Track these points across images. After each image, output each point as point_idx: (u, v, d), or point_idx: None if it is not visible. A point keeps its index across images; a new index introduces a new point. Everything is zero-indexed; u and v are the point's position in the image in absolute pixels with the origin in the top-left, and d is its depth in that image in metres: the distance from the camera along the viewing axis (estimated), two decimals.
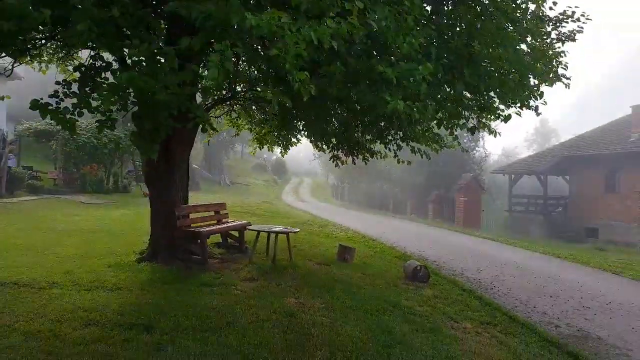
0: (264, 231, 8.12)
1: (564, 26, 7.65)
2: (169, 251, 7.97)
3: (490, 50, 4.95)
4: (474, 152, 26.31)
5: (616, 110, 29.39)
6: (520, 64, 5.24)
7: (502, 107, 6.02)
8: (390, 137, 8.28)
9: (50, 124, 22.65)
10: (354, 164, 10.18)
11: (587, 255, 13.02)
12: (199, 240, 7.88)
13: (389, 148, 8.45)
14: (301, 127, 10.78)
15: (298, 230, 8.39)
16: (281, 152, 12.73)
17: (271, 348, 4.57)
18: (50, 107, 4.21)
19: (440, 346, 4.74)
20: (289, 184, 55.29)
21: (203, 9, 3.33)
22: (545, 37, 7.43)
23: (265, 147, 12.85)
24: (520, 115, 5.98)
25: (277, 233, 8.02)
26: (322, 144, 10.56)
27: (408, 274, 7.86)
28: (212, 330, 4.96)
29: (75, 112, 4.46)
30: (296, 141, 12.14)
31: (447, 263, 9.84)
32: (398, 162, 8.52)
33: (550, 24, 7.61)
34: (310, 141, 11.41)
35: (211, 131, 13.66)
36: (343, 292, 6.55)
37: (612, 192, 21.20)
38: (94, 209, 17.26)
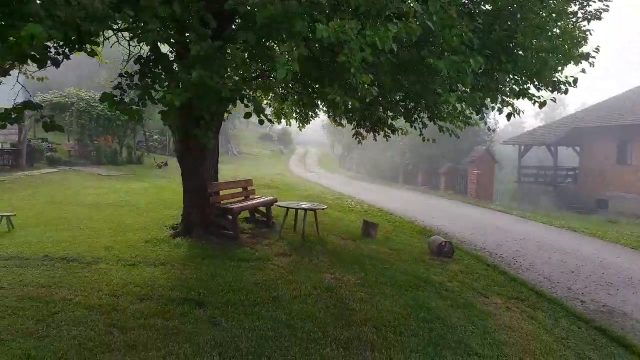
0: (292, 208, 8.39)
1: (591, 5, 7.68)
2: (202, 227, 8.29)
3: (533, 40, 5.05)
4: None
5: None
6: (556, 51, 5.35)
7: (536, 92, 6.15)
8: (416, 116, 8.42)
9: (64, 95, 22.79)
10: (375, 140, 10.34)
11: (602, 228, 13.29)
12: (231, 217, 8.16)
13: (414, 126, 8.60)
14: (322, 105, 10.93)
15: (325, 207, 8.66)
16: (299, 127, 12.90)
17: (318, 322, 4.89)
18: (115, 99, 4.39)
19: (477, 321, 5.06)
20: (295, 154, 55.41)
21: (267, 14, 3.47)
22: (571, 17, 7.47)
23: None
24: (555, 101, 6.12)
25: (305, 210, 8.28)
26: (341, 120, 10.72)
27: (433, 249, 8.16)
28: (260, 304, 5.29)
29: (140, 103, 4.64)
30: (314, 115, 12.30)
31: (467, 237, 10.14)
32: (423, 140, 8.70)
33: (577, 2, 7.63)
34: (329, 116, 11.57)
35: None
36: (374, 268, 6.86)
37: (623, 164, 21.30)
38: (114, 182, 17.60)
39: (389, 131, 10.13)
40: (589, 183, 23.21)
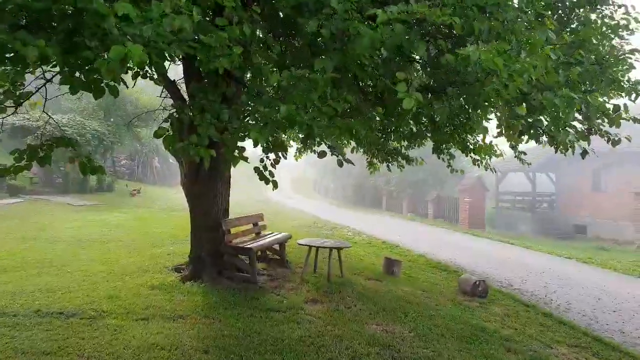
0: (315, 246, 7.70)
1: None
2: (214, 269, 7.48)
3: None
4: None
5: None
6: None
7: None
8: (445, 148, 8.00)
9: (27, 119, 21.30)
10: (389, 170, 9.86)
11: (599, 256, 13.18)
12: (249, 256, 7.40)
13: (442, 158, 8.17)
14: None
15: (350, 245, 8.02)
16: (295, 156, 12.32)
17: None
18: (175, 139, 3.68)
19: None
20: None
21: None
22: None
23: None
24: (630, 139, 5.76)
25: (330, 248, 7.62)
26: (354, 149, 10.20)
27: (466, 289, 7.64)
28: None
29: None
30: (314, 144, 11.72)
31: (488, 273, 9.70)
32: (451, 172, 8.27)
33: None
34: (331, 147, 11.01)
35: None
36: (420, 315, 6.25)
37: (598, 191, 21.77)
38: (88, 213, 16.33)
39: (404, 161, 9.68)
40: (566, 209, 23.56)
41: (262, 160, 4.45)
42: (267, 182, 4.46)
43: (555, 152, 5.76)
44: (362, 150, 9.80)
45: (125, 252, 9.83)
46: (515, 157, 7.59)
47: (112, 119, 24.21)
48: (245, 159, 4.83)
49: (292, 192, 40.54)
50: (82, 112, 23.63)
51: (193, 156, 3.66)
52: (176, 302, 6.43)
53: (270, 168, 4.44)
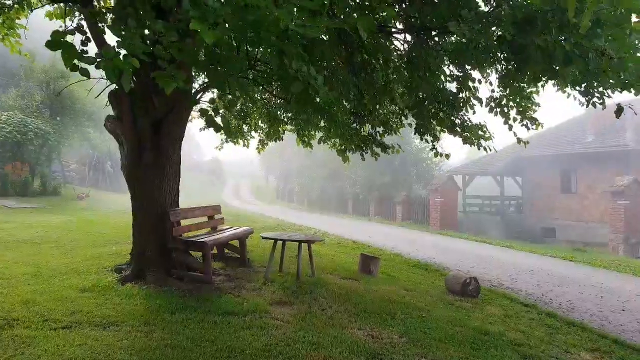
0: (281, 239, 6.57)
1: None
2: (160, 268, 6.25)
3: None
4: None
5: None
6: None
7: None
8: (428, 129, 7.08)
9: None
10: (363, 159, 8.86)
11: (579, 255, 12.57)
12: (202, 253, 6.21)
13: (426, 139, 7.24)
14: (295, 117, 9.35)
15: (323, 239, 6.93)
16: (257, 148, 11.19)
17: None
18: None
19: None
20: (227, 186, 52.87)
21: None
22: None
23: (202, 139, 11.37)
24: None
25: (299, 242, 6.51)
26: (324, 136, 9.19)
27: (454, 288, 6.68)
28: None
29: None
30: (281, 133, 10.63)
31: (474, 272, 8.75)
32: (435, 155, 7.36)
33: None
34: (300, 135, 9.96)
35: None
36: (410, 317, 5.22)
37: (568, 192, 21.53)
38: (26, 215, 14.60)
39: (379, 149, 8.71)
40: (534, 212, 23.28)
41: (212, 102, 3.34)
42: (217, 129, 3.33)
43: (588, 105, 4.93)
44: (330, 142, 8.83)
45: (60, 253, 8.42)
46: (517, 139, 6.73)
47: (58, 117, 22.28)
48: (187, 84, 3.70)
49: (253, 198, 39.16)
50: (24, 110, 21.63)
51: (108, 73, 2.49)
52: (110, 306, 5.19)
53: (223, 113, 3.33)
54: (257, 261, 7.74)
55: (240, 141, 11.10)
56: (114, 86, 6.58)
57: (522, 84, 5.97)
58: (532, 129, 6.70)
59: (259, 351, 4.05)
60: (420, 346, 4.33)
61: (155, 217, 6.34)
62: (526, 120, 6.58)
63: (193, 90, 7.21)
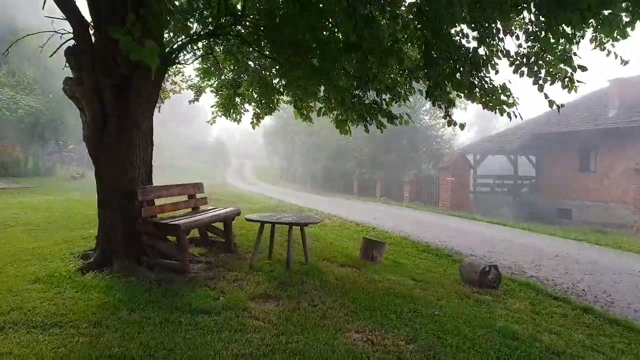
0: (268, 222, 5.63)
1: None
2: (128, 255, 5.36)
3: None
4: (442, 130, 24.79)
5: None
6: None
7: None
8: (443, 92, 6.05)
9: None
10: (367, 131, 7.86)
11: (612, 239, 11.44)
12: (176, 237, 5.31)
13: (439, 105, 6.22)
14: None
15: (319, 221, 5.99)
16: (252, 123, 10.18)
17: None
18: None
19: None
20: (231, 167, 52.06)
21: None
22: None
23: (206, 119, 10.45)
24: None
25: (290, 224, 5.56)
26: (325, 107, 8.16)
27: (471, 277, 5.74)
28: None
29: None
30: (275, 104, 9.62)
31: (491, 257, 7.78)
32: (449, 124, 6.34)
33: None
34: (297, 107, 8.95)
35: (163, 94, 10.88)
36: (418, 315, 4.30)
37: (586, 172, 20.36)
38: (10, 196, 13.81)
39: (384, 119, 7.69)
40: (549, 192, 22.16)
41: None
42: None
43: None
44: (332, 115, 7.81)
45: (29, 237, 7.59)
46: (549, 102, 5.64)
47: (50, 95, 21.31)
48: (158, 54, 2.75)
49: (256, 179, 38.27)
50: (15, 87, 20.67)
51: None
52: (59, 302, 4.33)
53: None
54: (247, 247, 6.83)
55: (234, 115, 10.11)
56: (72, 42, 5.66)
57: (557, 35, 4.92)
58: (576, 86, 5.64)
59: None
60: (433, 357, 3.40)
61: (123, 195, 5.44)
62: (559, 80, 5.54)
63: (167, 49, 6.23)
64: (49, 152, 23.82)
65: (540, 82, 5.57)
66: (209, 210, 6.48)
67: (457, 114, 33.18)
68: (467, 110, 29.28)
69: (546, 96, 5.46)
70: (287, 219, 5.66)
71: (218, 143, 56.78)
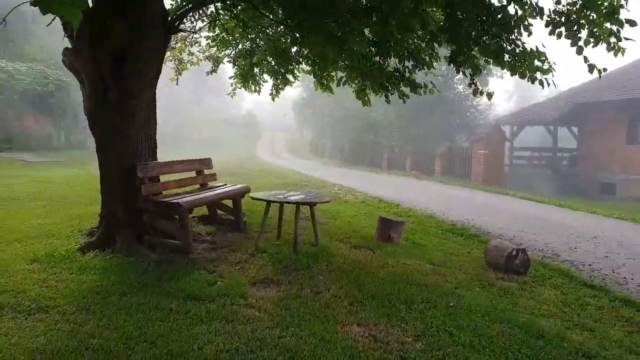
0: (276, 201, 5.28)
1: None
2: (130, 234, 5.14)
3: None
4: (477, 100, 23.59)
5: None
6: None
7: None
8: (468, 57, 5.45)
9: None
10: (388, 102, 7.33)
11: None
12: (177, 217, 5.03)
13: (463, 71, 5.63)
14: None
15: (329, 199, 5.61)
16: (271, 94, 9.77)
17: None
18: None
19: None
20: (262, 140, 52.00)
21: None
22: None
23: (240, 92, 10.03)
24: None
25: (297, 204, 5.20)
26: (346, 76, 7.65)
27: (498, 261, 5.25)
28: None
29: None
30: (293, 78, 9.20)
31: (522, 238, 7.19)
32: (474, 93, 5.76)
33: None
34: (318, 74, 8.44)
35: (180, 66, 10.57)
36: (431, 306, 3.88)
37: (635, 143, 19.00)
38: (38, 169, 14.02)
39: (407, 88, 7.13)
40: (592, 166, 20.89)
41: None
42: None
43: None
44: (354, 85, 7.29)
45: (44, 212, 7.55)
46: (589, 66, 4.95)
47: None
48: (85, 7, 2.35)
49: (286, 153, 38.00)
50: (47, 62, 20.83)
51: None
52: (52, 284, 4.16)
53: None
54: (258, 225, 6.52)
55: (252, 86, 9.72)
56: None
57: None
58: (624, 48, 4.95)
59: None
60: (441, 358, 3.00)
61: (125, 172, 5.19)
62: (604, 42, 4.85)
63: (172, 15, 5.84)
64: (85, 125, 24.15)
65: (581, 43, 4.91)
66: (217, 187, 6.18)
67: (493, 83, 31.69)
68: (504, 79, 27.80)
69: (586, 60, 4.81)
70: (295, 198, 5.29)
71: (249, 116, 56.70)
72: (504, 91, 66.04)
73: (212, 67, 10.01)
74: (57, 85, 19.16)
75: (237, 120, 55.31)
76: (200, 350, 3.00)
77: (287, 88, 9.60)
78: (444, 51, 6.66)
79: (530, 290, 4.61)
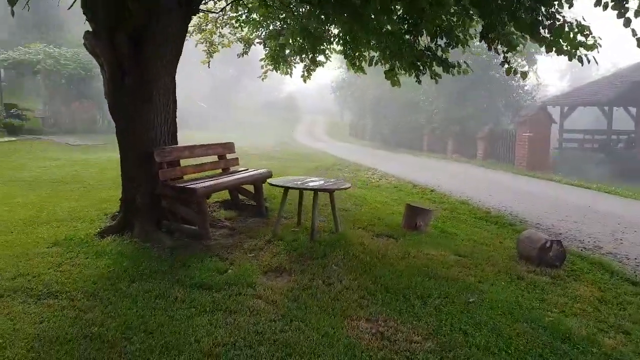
0: (293, 187, 5.11)
1: None
2: (150, 219, 5.12)
3: None
4: (525, 81, 22.34)
5: None
6: None
7: None
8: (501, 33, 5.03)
9: (28, 52, 19.41)
10: (418, 82, 6.97)
11: None
12: (196, 202, 4.95)
13: (495, 48, 5.22)
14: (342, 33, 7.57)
15: (349, 185, 5.40)
16: (302, 76, 9.56)
17: None
18: None
19: None
20: (302, 123, 51.85)
21: None
22: None
23: (279, 76, 9.84)
24: None
25: (315, 190, 5.00)
26: (379, 56, 7.32)
27: (530, 253, 4.89)
28: None
29: None
30: (324, 59, 8.97)
31: (561, 228, 6.73)
32: (508, 72, 5.35)
33: None
34: (346, 57, 8.14)
35: (212, 49, 10.47)
36: (448, 301, 3.63)
37: None
38: (79, 152, 14.44)
39: (440, 68, 6.73)
40: None
41: None
42: None
43: None
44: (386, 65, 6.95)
45: (76, 195, 7.70)
46: (638, 40, 4.44)
47: None
48: None
49: (325, 136, 37.68)
50: None
51: None
52: (68, 268, 4.19)
53: None
54: (285, 210, 6.39)
55: (283, 68, 9.55)
56: None
57: None
58: None
59: (201, 355, 2.76)
60: (451, 359, 2.77)
61: (144, 156, 5.16)
62: None
63: None
64: None
65: (630, 15, 4.39)
66: (239, 172, 6.08)
67: (542, 61, 30.04)
68: (553, 57, 26.24)
69: (634, 33, 4.30)
70: (314, 184, 5.10)
71: (289, 98, 56.64)
72: (555, 70, 62.70)
73: (243, 49, 9.89)
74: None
75: (278, 103, 55.39)
76: (197, 344, 2.90)
77: (328, 70, 9.38)
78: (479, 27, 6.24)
79: (564, 285, 4.25)
